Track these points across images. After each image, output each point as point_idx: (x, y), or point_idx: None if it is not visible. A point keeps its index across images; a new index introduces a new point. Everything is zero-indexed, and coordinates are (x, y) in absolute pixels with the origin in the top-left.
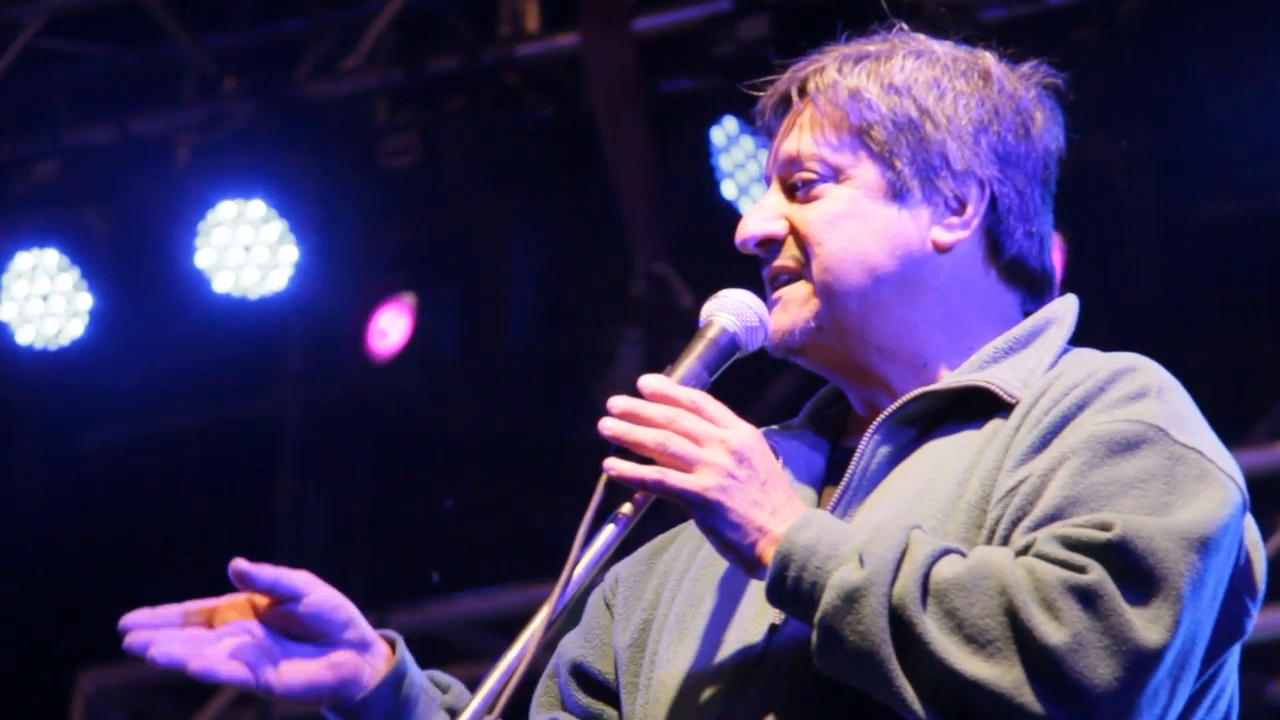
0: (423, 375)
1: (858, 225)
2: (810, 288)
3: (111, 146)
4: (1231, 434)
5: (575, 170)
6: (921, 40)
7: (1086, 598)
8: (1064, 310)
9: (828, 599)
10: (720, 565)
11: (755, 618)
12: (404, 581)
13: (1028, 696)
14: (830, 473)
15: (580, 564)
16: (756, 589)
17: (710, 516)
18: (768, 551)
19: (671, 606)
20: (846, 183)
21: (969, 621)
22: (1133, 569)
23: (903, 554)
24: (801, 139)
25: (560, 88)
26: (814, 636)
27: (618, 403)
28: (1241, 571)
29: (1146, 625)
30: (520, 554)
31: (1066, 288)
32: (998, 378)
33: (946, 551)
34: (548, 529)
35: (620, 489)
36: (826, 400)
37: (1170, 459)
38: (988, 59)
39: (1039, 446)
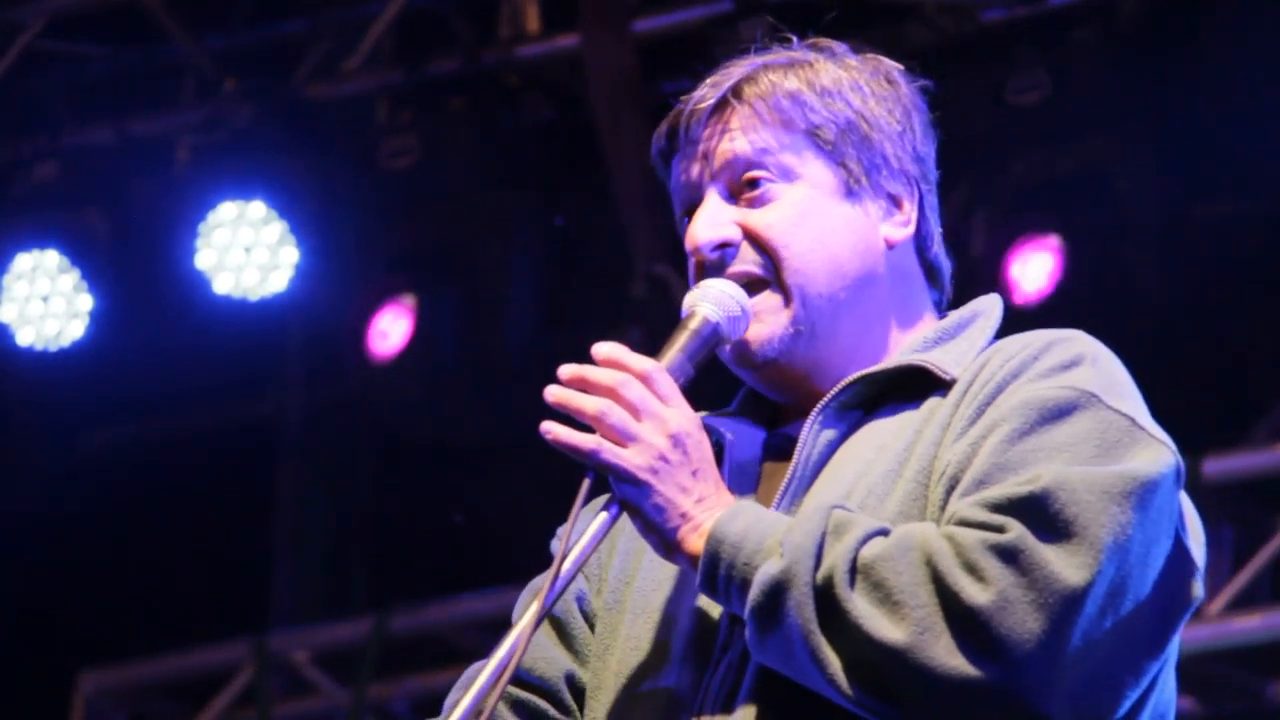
0: (423, 377)
1: (820, 224)
2: (781, 294)
3: (112, 148)
4: (1231, 434)
5: (575, 172)
6: (828, 45)
7: (1007, 554)
8: (989, 306)
9: (754, 594)
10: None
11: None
12: (404, 582)
13: (958, 660)
14: (769, 458)
15: (568, 559)
16: None
17: (637, 494)
18: (689, 539)
19: (628, 592)
20: (799, 182)
21: (897, 589)
22: (1054, 518)
23: (823, 536)
24: (739, 141)
25: (561, 89)
26: (746, 632)
27: (567, 370)
28: (1180, 536)
29: (1068, 568)
30: (520, 554)
31: (1067, 287)
32: (934, 358)
33: (876, 532)
34: (547, 530)
35: (606, 484)
36: (757, 392)
37: (1101, 423)
38: (887, 63)
39: (974, 418)
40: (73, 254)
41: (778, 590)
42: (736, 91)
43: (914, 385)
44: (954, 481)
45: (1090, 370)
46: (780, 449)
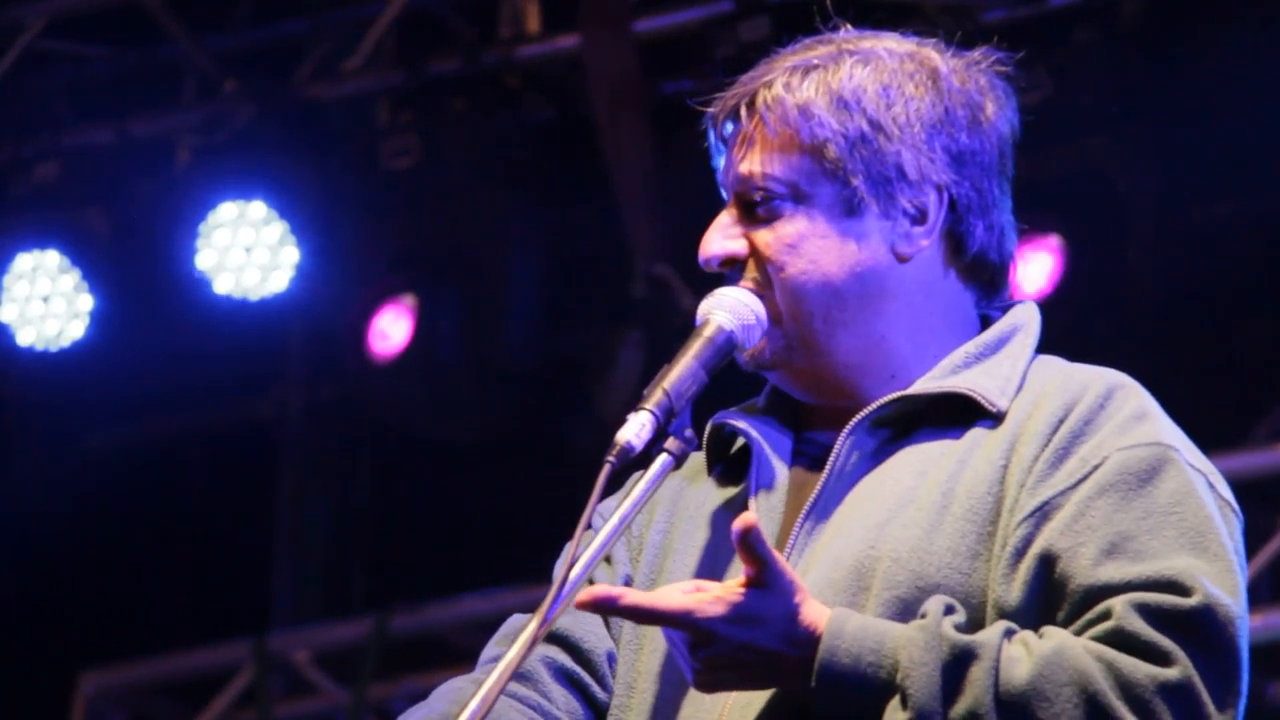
0: (423, 377)
1: (817, 247)
2: (775, 311)
3: (112, 148)
4: (1232, 435)
5: (576, 172)
6: (869, 40)
7: (1177, 698)
8: (1028, 318)
9: None
10: (692, 559)
11: None
12: (404, 582)
13: None
14: (797, 464)
15: (579, 563)
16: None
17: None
18: (799, 672)
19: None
20: (804, 202)
21: None
22: (1213, 643)
23: (944, 665)
24: (754, 158)
25: (561, 89)
26: None
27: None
28: None
29: (1224, 714)
30: (520, 555)
31: (1067, 288)
32: (978, 385)
33: (1002, 642)
34: (548, 530)
35: (619, 480)
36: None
37: (1186, 482)
38: (934, 55)
39: (1055, 464)
40: (73, 254)
41: None
42: (751, 100)
43: (953, 409)
44: (1068, 541)
45: (1159, 423)
46: (810, 456)
